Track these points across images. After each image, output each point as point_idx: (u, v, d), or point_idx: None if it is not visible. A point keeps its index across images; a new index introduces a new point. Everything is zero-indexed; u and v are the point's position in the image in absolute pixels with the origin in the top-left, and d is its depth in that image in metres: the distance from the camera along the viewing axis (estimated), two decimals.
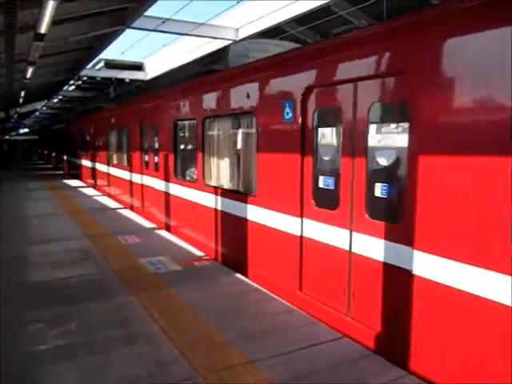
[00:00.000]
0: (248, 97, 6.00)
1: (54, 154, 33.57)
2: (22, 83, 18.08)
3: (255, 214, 5.93)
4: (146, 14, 12.43)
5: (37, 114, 42.35)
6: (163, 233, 8.98)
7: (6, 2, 7.95)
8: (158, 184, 9.73)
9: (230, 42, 14.92)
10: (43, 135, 42.34)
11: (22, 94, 21.97)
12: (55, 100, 31.18)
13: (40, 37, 9.78)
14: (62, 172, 26.19)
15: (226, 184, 7.14)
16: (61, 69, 19.65)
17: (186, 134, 9.00)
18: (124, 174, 12.78)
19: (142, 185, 11.06)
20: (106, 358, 3.91)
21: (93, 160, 17.63)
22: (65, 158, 26.50)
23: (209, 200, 7.31)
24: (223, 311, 4.91)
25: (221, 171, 7.31)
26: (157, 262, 6.80)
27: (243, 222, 6.19)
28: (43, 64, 15.26)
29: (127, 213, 11.48)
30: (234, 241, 6.63)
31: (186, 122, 8.61)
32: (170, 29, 13.76)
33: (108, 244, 7.98)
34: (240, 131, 6.66)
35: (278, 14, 12.92)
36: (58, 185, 18.85)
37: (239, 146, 6.69)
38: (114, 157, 14.40)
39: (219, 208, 6.98)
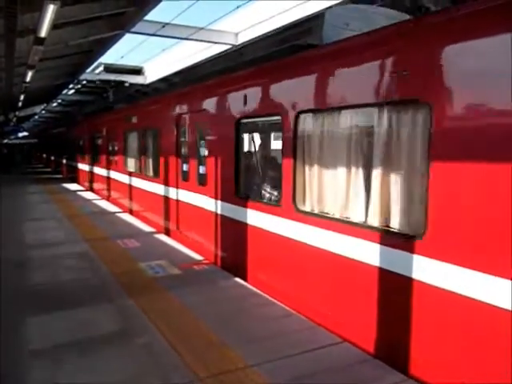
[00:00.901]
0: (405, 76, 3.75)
1: (52, 158, 33.58)
2: (21, 87, 18.11)
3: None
4: (146, 18, 12.47)
5: (36, 117, 42.33)
6: (162, 237, 8.97)
7: (7, 6, 7.98)
8: (206, 202, 7.40)
9: (230, 46, 14.98)
10: (42, 139, 42.35)
11: (22, 97, 21.99)
12: (54, 104, 31.18)
13: (40, 41, 9.81)
14: (60, 176, 26.17)
15: (345, 211, 4.58)
16: (60, 72, 19.68)
17: (256, 135, 7.29)
18: (150, 187, 10.42)
19: (177, 201, 8.71)
20: (103, 360, 3.90)
21: (104, 167, 15.38)
22: (64, 162, 26.49)
23: (308, 236, 4.93)
24: (222, 315, 4.90)
25: (337, 191, 4.68)
26: (156, 265, 6.79)
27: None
28: (43, 68, 15.28)
29: (126, 217, 11.47)
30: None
31: (259, 119, 6.59)
32: (169, 33, 13.80)
33: (107, 248, 7.96)
34: (381, 130, 4.10)
35: (277, 19, 12.98)
36: (58, 189, 18.83)
37: (379, 153, 4.14)
38: (134, 164, 12.11)
39: (336, 251, 4.51)
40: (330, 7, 11.12)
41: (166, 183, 9.22)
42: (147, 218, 10.54)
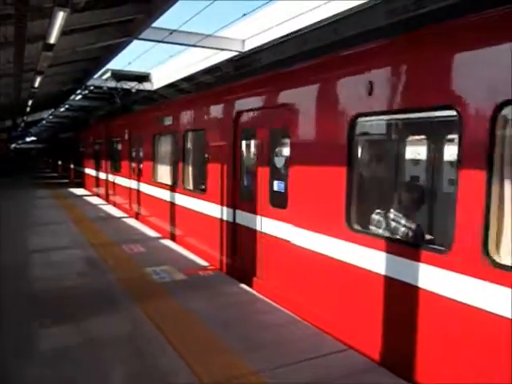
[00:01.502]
0: None
1: (60, 163, 33.80)
2: (29, 92, 18.27)
3: None
4: (154, 25, 12.57)
5: (43, 122, 42.65)
6: (167, 242, 8.99)
7: (16, 13, 8.09)
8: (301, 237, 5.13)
9: (237, 53, 15.06)
10: (50, 144, 42.61)
11: (30, 102, 22.18)
12: (62, 109, 31.41)
13: (49, 47, 9.91)
14: (67, 181, 26.33)
15: None
16: (68, 78, 19.85)
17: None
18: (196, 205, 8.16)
19: (256, 232, 6.17)
20: (108, 363, 3.91)
21: (127, 176, 13.51)
22: (72, 167, 26.64)
23: None
24: (228, 321, 4.89)
25: None
26: (161, 271, 6.80)
27: None
28: (51, 73, 15.43)
29: (132, 222, 11.50)
30: None
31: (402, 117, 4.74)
32: (176, 40, 13.90)
33: (113, 253, 7.99)
34: None
35: (283, 26, 13.05)
36: (65, 193, 18.93)
37: None
38: (167, 174, 10.09)
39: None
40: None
41: (221, 202, 7.12)
42: (202, 249, 7.85)
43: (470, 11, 3.41)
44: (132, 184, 12.78)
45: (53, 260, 7.48)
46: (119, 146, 14.85)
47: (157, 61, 20.93)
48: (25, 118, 32.20)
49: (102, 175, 17.08)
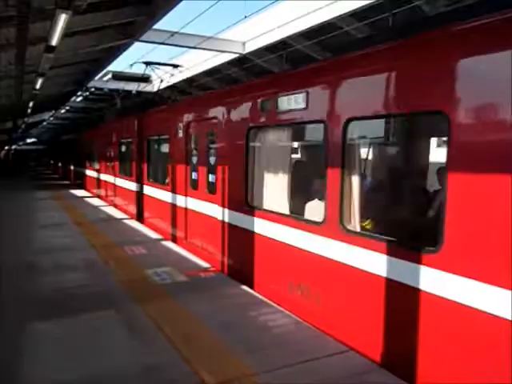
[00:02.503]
0: None
1: (60, 165, 33.83)
2: (31, 94, 18.33)
3: None
4: (155, 27, 12.62)
5: (44, 124, 42.73)
6: (169, 244, 9.01)
7: (19, 15, 8.13)
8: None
9: (238, 55, 15.11)
10: (51, 145, 42.65)
11: (31, 104, 22.23)
12: (62, 111, 31.48)
13: (51, 49, 9.95)
14: (68, 182, 26.36)
15: None
16: (69, 80, 19.91)
17: None
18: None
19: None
20: (109, 362, 3.92)
21: (151, 184, 11.40)
22: (72, 168, 26.66)
23: None
24: (229, 322, 4.91)
25: None
26: (162, 272, 6.82)
27: None
28: (52, 75, 15.47)
29: (133, 223, 11.52)
30: None
31: None
32: (177, 42, 13.95)
33: (114, 255, 8.01)
34: None
35: (284, 29, 13.09)
36: (65, 195, 18.96)
37: None
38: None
39: None
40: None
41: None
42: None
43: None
44: (149, 191, 11.38)
45: (53, 262, 7.48)
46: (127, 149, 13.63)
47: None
48: (26, 119, 32.29)
49: (109, 178, 15.74)
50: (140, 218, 12.08)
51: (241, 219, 6.60)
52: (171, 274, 6.74)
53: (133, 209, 12.65)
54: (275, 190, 6.16)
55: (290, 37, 13.23)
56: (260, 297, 5.74)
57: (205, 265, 7.35)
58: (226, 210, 7.05)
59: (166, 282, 6.36)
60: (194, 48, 14.71)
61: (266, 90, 6.06)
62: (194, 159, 8.64)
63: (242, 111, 6.69)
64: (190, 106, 9.52)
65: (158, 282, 6.36)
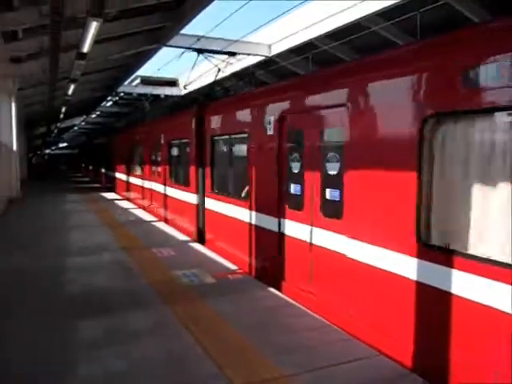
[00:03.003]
0: None
1: (91, 168, 34.61)
2: (63, 100, 18.89)
3: None
4: (182, 32, 12.82)
5: (75, 128, 43.90)
6: (197, 246, 9.10)
7: (52, 24, 8.40)
8: None
9: (263, 57, 15.17)
10: (82, 149, 43.66)
11: (63, 110, 22.90)
12: (93, 115, 32.28)
13: (82, 56, 10.24)
14: (99, 185, 26.98)
15: None
16: (99, 85, 20.43)
17: None
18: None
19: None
20: (139, 363, 4.00)
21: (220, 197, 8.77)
22: (103, 171, 27.24)
23: None
24: (257, 325, 4.92)
25: None
26: (191, 274, 6.90)
27: None
28: (83, 81, 15.90)
29: (162, 226, 11.69)
30: None
31: None
32: (204, 46, 14.11)
33: (144, 256, 8.15)
34: None
35: (310, 30, 13.07)
36: (96, 197, 19.40)
37: None
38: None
39: None
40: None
41: None
42: None
43: None
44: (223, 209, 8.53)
45: (85, 263, 7.68)
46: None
47: (185, 66, 21.19)
48: (58, 124, 33.25)
49: (156, 186, 13.58)
50: (201, 239, 9.54)
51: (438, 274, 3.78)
52: (199, 276, 6.81)
53: (191, 226, 10.10)
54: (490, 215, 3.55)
55: (316, 38, 13.19)
56: (288, 299, 5.73)
57: (232, 267, 7.40)
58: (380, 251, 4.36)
59: (194, 284, 6.42)
60: (219, 52, 14.83)
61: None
62: (295, 166, 6.01)
63: (414, 89, 4.07)
64: (288, 90, 6.57)
65: (186, 284, 6.43)
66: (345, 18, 11.81)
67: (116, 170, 21.59)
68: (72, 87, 15.41)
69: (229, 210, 8.19)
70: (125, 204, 16.87)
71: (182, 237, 10.07)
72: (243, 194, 7.75)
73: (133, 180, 17.41)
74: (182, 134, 10.73)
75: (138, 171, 16.40)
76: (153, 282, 6.52)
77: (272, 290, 6.13)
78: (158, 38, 12.88)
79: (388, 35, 11.97)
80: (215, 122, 8.92)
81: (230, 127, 8.27)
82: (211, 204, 9.07)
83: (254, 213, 7.17)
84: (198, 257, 8.18)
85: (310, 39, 13.24)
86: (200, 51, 11.27)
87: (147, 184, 14.82)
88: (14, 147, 18.13)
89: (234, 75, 18.22)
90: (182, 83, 22.15)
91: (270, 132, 6.54)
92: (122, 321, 5.05)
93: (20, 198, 17.59)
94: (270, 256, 6.60)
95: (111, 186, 22.80)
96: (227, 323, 4.96)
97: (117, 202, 17.80)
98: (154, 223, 12.14)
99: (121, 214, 14.19)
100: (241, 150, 7.96)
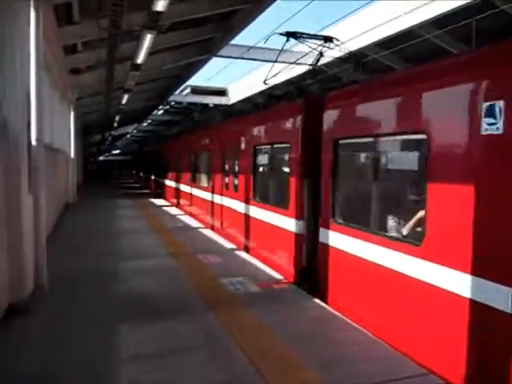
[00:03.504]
0: None
1: (141, 175, 35.69)
2: (117, 109, 19.67)
3: None
4: (232, 42, 13.03)
5: (127, 136, 45.53)
6: (243, 254, 9.15)
7: (110, 37, 8.79)
8: None
9: (311, 67, 15.10)
10: (133, 156, 45.20)
11: (117, 118, 23.83)
12: (145, 124, 33.37)
13: (136, 67, 10.64)
14: (148, 191, 27.78)
15: None
16: (152, 95, 21.11)
17: None
18: None
19: None
20: (184, 370, 4.05)
21: None
22: (152, 178, 28.01)
23: None
24: (302, 336, 4.87)
25: None
26: (236, 282, 6.93)
27: None
28: (137, 91, 16.48)
29: (208, 232, 11.86)
30: None
31: None
32: (253, 56, 14.29)
33: (190, 262, 8.28)
34: None
35: (360, 39, 12.93)
36: (146, 203, 19.98)
37: None
38: None
39: None
40: None
41: None
42: None
43: None
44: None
45: (135, 267, 7.91)
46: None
47: (234, 76, 21.53)
48: (112, 132, 34.62)
49: (233, 203, 10.76)
50: (312, 286, 6.68)
51: None
52: (244, 284, 6.83)
53: (287, 264, 7.50)
54: None
55: (366, 47, 13.04)
56: (333, 311, 5.64)
57: (278, 276, 7.37)
58: None
59: (239, 292, 6.46)
60: (269, 61, 14.93)
61: None
62: None
63: None
64: None
65: (231, 292, 6.47)
66: (395, 26, 11.62)
67: (168, 177, 21.49)
68: (126, 97, 16.04)
69: (376, 254, 5.23)
70: (173, 210, 17.25)
71: (228, 244, 10.16)
72: (408, 229, 5.07)
73: (196, 192, 15.11)
74: (278, 136, 8.29)
75: (203, 182, 14.30)
76: (199, 288, 6.61)
77: (317, 300, 6.06)
78: (209, 48, 13.17)
79: (441, 43, 11.65)
80: (345, 118, 6.34)
81: (383, 124, 5.42)
82: (333, 238, 6.23)
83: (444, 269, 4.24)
84: (243, 265, 8.21)
85: (360, 48, 13.08)
86: (290, 35, 9.07)
87: (217, 199, 12.12)
88: (72, 154, 19.01)
89: (283, 85, 18.24)
90: (231, 92, 22.51)
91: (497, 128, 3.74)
92: (168, 326, 5.14)
93: (76, 203, 18.40)
94: None
95: (161, 192, 23.35)
96: (272, 333, 4.93)
97: (165, 208, 18.23)
98: (200, 230, 12.33)
99: (169, 220, 14.53)
100: (402, 159, 5.51)
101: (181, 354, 4.42)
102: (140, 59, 10.10)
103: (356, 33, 12.79)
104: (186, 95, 22.32)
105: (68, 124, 17.40)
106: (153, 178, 27.69)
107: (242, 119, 11.67)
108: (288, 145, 7.64)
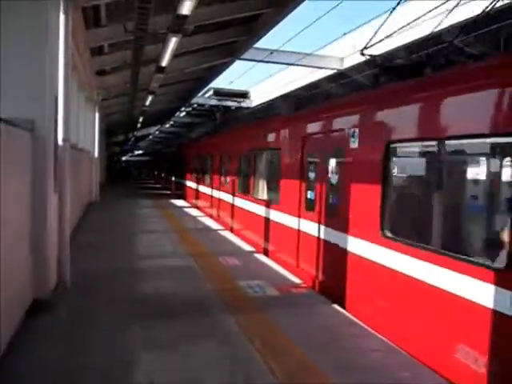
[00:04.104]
0: None
1: (163, 175, 36.05)
2: (141, 110, 19.95)
3: None
4: (255, 45, 13.07)
5: (150, 137, 46.10)
6: (262, 257, 9.17)
7: (135, 40, 8.94)
8: None
9: (335, 71, 15.07)
10: (155, 157, 45.65)
11: (140, 119, 24.15)
12: (167, 125, 33.71)
13: (161, 69, 10.78)
14: (168, 192, 28.05)
15: None
16: (175, 97, 21.32)
17: None
18: None
19: None
20: (200, 372, 4.09)
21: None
22: (173, 179, 28.28)
23: None
24: (319, 341, 4.85)
25: None
26: (255, 285, 6.95)
27: None
28: (160, 93, 16.67)
29: (227, 234, 11.91)
30: None
31: None
32: (276, 59, 14.31)
33: (210, 264, 8.34)
34: None
35: (384, 43, 12.80)
36: (166, 204, 20.19)
37: None
38: None
39: None
40: None
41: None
42: None
43: None
44: None
45: (156, 266, 8.01)
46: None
47: (257, 79, 21.60)
48: (135, 132, 35.11)
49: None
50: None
51: None
52: (263, 287, 6.84)
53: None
54: None
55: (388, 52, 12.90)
56: (351, 317, 5.61)
57: (296, 280, 7.36)
58: None
59: (257, 295, 6.47)
60: (292, 65, 14.94)
61: None
62: None
63: None
64: None
65: (249, 295, 6.49)
66: (421, 30, 11.46)
67: (190, 179, 21.42)
68: (150, 98, 16.26)
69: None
70: (193, 212, 17.39)
71: (247, 247, 10.20)
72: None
73: (224, 197, 14.01)
74: (334, 142, 6.81)
75: (231, 188, 12.97)
76: (217, 290, 6.64)
77: (335, 306, 6.03)
78: (232, 51, 13.24)
79: (467, 48, 11.46)
80: (399, 119, 5.42)
81: (449, 127, 4.55)
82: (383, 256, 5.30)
83: None
84: (262, 268, 8.23)
85: (384, 52, 12.96)
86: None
87: (251, 207, 10.79)
88: (96, 154, 19.35)
89: (304, 89, 18.17)
90: (253, 95, 22.56)
91: None
92: (186, 327, 5.18)
93: (98, 201, 18.73)
94: None
95: (181, 193, 23.54)
96: (289, 337, 4.92)
97: (186, 209, 18.39)
98: (219, 231, 12.40)
99: (188, 221, 14.67)
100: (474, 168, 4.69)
101: (196, 355, 4.45)
102: (165, 62, 10.24)
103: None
104: (209, 97, 22.47)
105: (93, 125, 17.72)
106: (173, 179, 27.94)
107: (289, 117, 10.07)
108: (341, 149, 6.49)
